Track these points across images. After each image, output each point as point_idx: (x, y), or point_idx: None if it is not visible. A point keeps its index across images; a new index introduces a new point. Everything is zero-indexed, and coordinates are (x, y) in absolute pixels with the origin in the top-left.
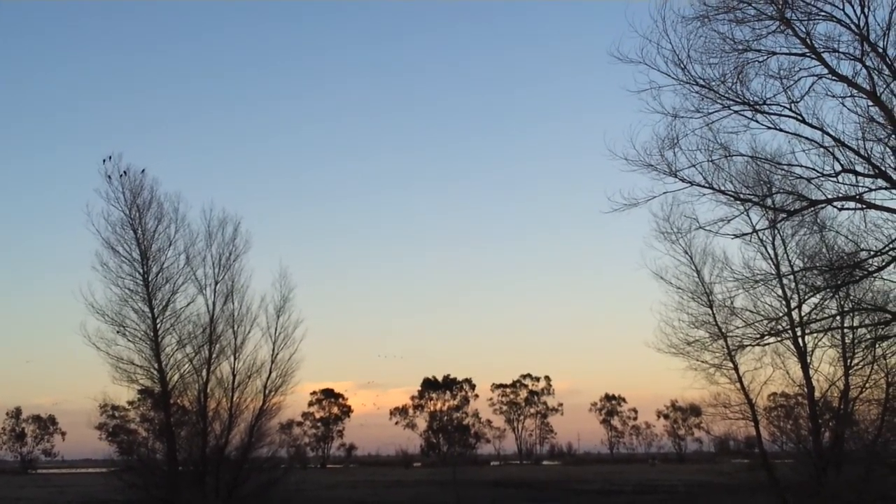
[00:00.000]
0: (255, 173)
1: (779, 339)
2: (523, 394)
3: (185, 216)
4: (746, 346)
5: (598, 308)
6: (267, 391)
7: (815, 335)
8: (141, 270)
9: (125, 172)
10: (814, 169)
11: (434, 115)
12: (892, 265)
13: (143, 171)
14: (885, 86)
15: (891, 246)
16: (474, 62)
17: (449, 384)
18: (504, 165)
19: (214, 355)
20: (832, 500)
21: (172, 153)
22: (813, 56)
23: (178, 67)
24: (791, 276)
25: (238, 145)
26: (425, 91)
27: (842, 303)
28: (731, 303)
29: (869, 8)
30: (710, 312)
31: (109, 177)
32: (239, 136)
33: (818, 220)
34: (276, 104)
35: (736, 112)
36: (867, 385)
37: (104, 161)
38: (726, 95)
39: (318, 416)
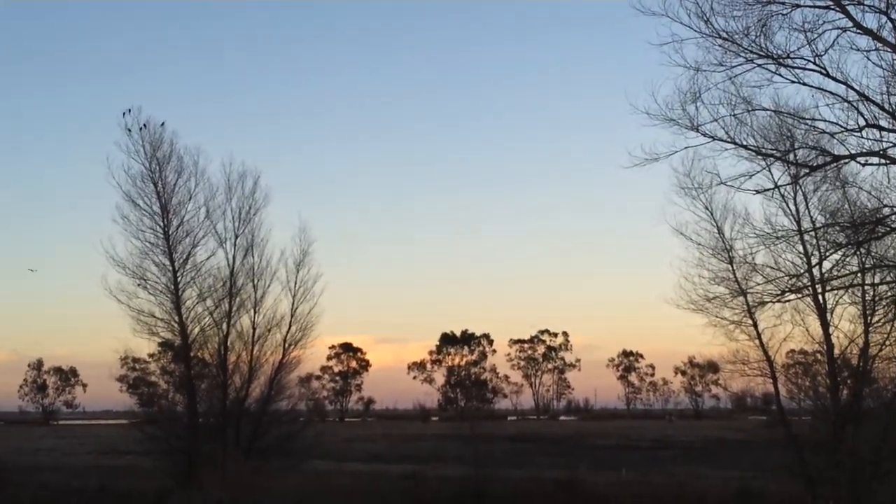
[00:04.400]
0: (274, 126)
1: (799, 295)
2: (541, 349)
3: (204, 169)
4: (766, 302)
5: (618, 264)
6: (286, 345)
7: (835, 292)
8: (161, 223)
9: (145, 125)
10: (837, 124)
11: (454, 65)
12: None
13: (162, 123)
14: None
15: None
16: (495, 11)
17: (467, 339)
18: (524, 119)
19: (235, 309)
20: (849, 457)
21: (192, 105)
22: (837, 8)
23: (197, 18)
24: (812, 233)
25: (256, 97)
26: (445, 39)
27: (863, 259)
28: (752, 259)
29: None
30: (731, 269)
31: (129, 130)
32: (257, 87)
33: (841, 176)
34: (295, 54)
35: (759, 65)
36: (887, 342)
37: (124, 114)
38: (749, 49)
39: (336, 369)
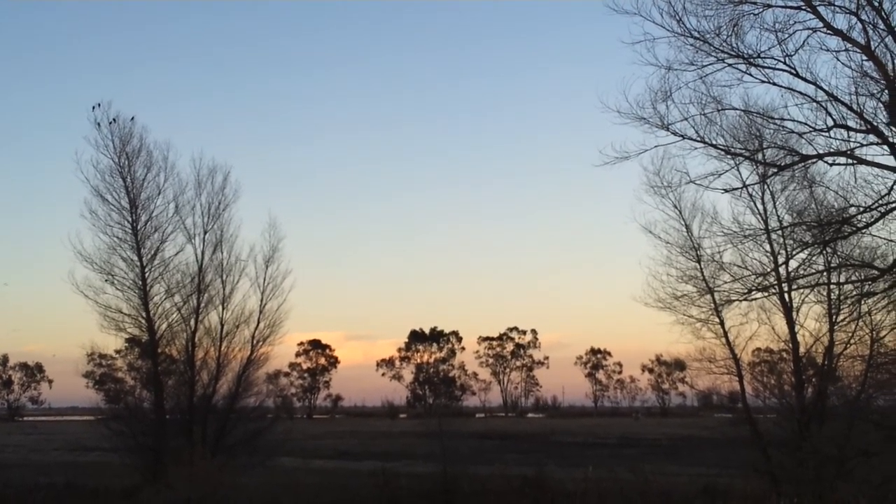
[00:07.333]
0: (244, 121)
1: (766, 294)
2: (509, 347)
3: (174, 165)
4: (734, 301)
5: (587, 261)
6: (255, 341)
7: (801, 291)
8: (130, 219)
9: (114, 120)
10: (806, 123)
11: (425, 63)
12: (880, 221)
13: (132, 118)
14: (879, 40)
15: (880, 202)
16: (467, 10)
17: (436, 336)
18: (495, 117)
19: (203, 305)
20: (814, 455)
21: (162, 100)
22: (808, 9)
23: (168, 14)
24: (779, 232)
25: (227, 93)
26: (418, 37)
27: (829, 258)
28: (720, 258)
29: None
30: (699, 267)
31: (99, 124)
32: (228, 83)
33: (808, 176)
34: (266, 50)
35: (730, 65)
36: (852, 341)
37: (93, 108)
38: (721, 48)
39: (305, 366)
